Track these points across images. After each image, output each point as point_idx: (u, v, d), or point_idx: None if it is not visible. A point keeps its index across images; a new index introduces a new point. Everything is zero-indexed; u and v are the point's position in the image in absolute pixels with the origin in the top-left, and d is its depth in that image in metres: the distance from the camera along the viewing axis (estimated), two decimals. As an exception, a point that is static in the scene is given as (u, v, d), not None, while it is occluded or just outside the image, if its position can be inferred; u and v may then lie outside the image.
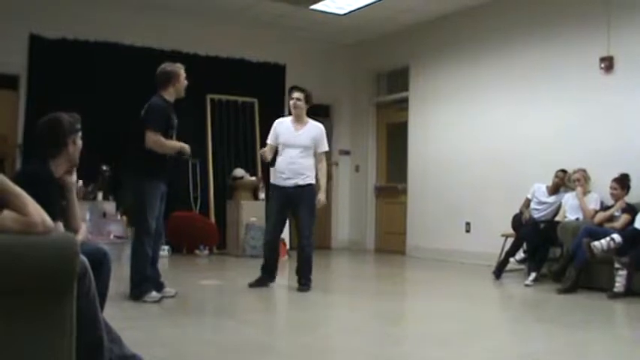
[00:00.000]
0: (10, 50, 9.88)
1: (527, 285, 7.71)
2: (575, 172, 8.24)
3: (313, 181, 7.15)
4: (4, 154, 9.50)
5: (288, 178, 7.11)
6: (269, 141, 7.36)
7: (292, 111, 7.32)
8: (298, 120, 7.26)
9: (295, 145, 7.14)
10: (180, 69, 6.41)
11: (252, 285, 7.16)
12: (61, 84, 9.93)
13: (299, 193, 7.07)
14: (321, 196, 7.15)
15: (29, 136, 9.71)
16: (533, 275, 7.81)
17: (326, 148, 7.33)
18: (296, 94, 7.24)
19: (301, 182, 7.07)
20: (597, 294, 7.04)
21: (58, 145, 3.69)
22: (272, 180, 7.45)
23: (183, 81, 6.40)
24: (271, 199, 7.42)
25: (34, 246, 2.51)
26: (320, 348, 4.67)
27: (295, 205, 7.13)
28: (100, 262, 3.57)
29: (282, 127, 7.30)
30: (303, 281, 7.09)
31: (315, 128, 7.27)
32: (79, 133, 3.85)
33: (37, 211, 2.59)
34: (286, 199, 7.13)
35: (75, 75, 10.11)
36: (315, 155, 7.23)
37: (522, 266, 8.41)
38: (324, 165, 7.27)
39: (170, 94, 6.35)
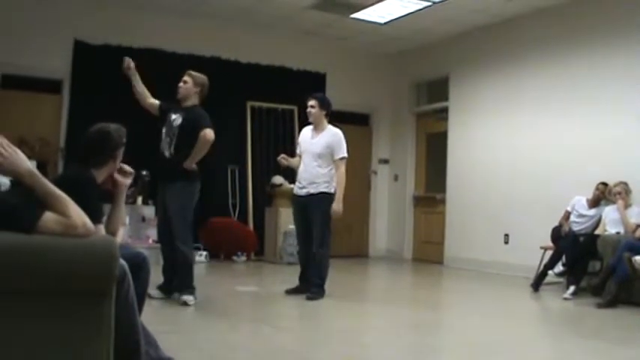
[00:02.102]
0: (54, 55, 10.05)
1: (565, 298, 7.62)
2: (616, 185, 8.14)
3: (328, 190, 7.02)
4: (46, 157, 9.62)
5: (303, 187, 7.13)
6: (297, 151, 7.47)
7: (309, 119, 7.35)
8: (316, 127, 7.25)
9: (309, 152, 7.14)
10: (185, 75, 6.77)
11: (288, 292, 7.19)
12: (104, 89, 10.04)
13: (310, 202, 7.03)
14: (335, 206, 6.98)
15: (71, 140, 9.86)
16: (572, 289, 7.71)
17: (342, 154, 7.09)
18: (310, 102, 7.24)
19: (313, 190, 7.03)
20: (638, 309, 6.94)
21: (105, 156, 3.71)
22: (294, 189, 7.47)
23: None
24: (293, 209, 7.49)
25: (74, 248, 2.54)
26: (357, 357, 4.66)
27: (309, 214, 7.07)
28: (140, 267, 3.59)
29: (303, 135, 7.41)
30: (312, 289, 6.98)
31: (330, 134, 7.17)
32: (124, 147, 3.89)
33: (77, 214, 2.62)
34: (302, 207, 7.13)
35: (117, 80, 10.18)
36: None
37: (561, 279, 8.32)
38: (340, 173, 7.05)
39: None
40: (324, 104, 7.25)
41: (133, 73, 6.69)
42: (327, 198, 7.00)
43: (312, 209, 7.01)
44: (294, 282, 7.30)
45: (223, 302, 6.63)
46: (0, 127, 9.48)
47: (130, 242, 9.54)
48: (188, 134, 6.46)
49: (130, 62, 6.60)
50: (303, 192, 7.10)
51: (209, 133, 6.45)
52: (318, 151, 7.06)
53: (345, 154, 7.12)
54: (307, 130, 7.37)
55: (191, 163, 6.48)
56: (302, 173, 7.17)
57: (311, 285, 7.01)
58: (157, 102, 6.85)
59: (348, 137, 12.85)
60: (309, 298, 6.86)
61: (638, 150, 8.37)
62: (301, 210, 7.15)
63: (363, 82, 12.67)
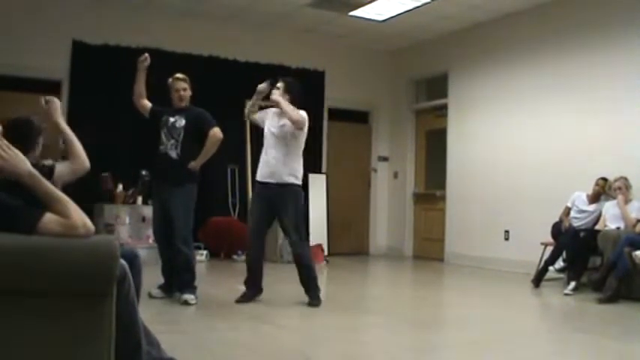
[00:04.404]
0: (53, 56, 10.04)
1: (566, 294, 7.63)
2: (616, 180, 8.13)
3: (298, 182, 6.60)
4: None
5: (267, 176, 6.57)
6: (260, 113, 6.95)
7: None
8: (280, 113, 6.66)
9: (275, 136, 6.61)
10: (174, 80, 6.74)
11: (238, 301, 6.59)
12: (103, 89, 10.06)
13: (280, 195, 6.50)
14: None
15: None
16: (572, 284, 7.72)
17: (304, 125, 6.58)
18: (278, 84, 6.74)
19: (282, 181, 6.49)
20: (638, 305, 6.95)
21: (30, 144, 3.69)
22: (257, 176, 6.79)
23: (174, 92, 6.69)
24: (253, 200, 6.89)
25: (75, 249, 2.54)
26: (357, 355, 4.67)
27: (277, 209, 6.57)
28: (131, 263, 3.58)
29: (269, 116, 6.83)
30: (311, 295, 6.56)
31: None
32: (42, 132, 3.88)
33: (78, 214, 2.63)
34: (267, 199, 6.56)
35: (116, 80, 10.23)
36: (297, 138, 6.61)
37: (562, 275, 8.32)
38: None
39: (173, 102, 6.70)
40: (288, 88, 6.69)
41: (143, 69, 6.64)
42: (299, 191, 6.62)
43: (283, 205, 6.53)
44: (294, 280, 6.88)
45: (224, 301, 6.62)
46: (-1, 128, 9.47)
47: (130, 242, 9.56)
48: (193, 134, 6.52)
49: (148, 58, 6.58)
50: (270, 181, 6.54)
51: (219, 132, 6.52)
52: (283, 136, 6.56)
53: (306, 128, 6.63)
54: (273, 113, 6.80)
55: (199, 164, 6.52)
56: (269, 160, 6.59)
57: (309, 291, 6.62)
58: (149, 104, 6.82)
59: (348, 135, 12.92)
60: (314, 305, 6.50)
61: (637, 145, 8.37)
62: (266, 202, 6.58)
63: (362, 80, 12.67)
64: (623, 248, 7.04)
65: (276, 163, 6.53)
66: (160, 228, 6.64)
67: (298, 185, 6.64)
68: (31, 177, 2.67)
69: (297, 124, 6.51)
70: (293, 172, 6.58)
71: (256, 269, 6.71)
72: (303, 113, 6.59)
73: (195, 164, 6.48)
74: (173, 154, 6.51)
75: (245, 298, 6.60)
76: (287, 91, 6.70)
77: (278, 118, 6.69)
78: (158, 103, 6.90)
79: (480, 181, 10.79)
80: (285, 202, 6.53)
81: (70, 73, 10.20)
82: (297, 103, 6.67)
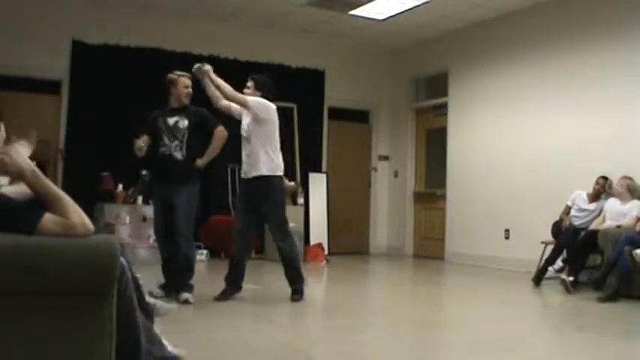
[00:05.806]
0: (52, 56, 10.05)
1: (563, 279, 7.64)
2: (620, 178, 8.11)
3: (270, 172, 6.53)
4: (46, 158, 9.61)
5: (245, 172, 6.70)
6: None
7: None
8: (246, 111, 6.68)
9: (243, 133, 6.73)
10: (179, 77, 6.54)
11: (217, 299, 6.58)
12: (103, 89, 10.06)
13: (258, 187, 6.54)
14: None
15: (71, 141, 9.85)
16: (570, 278, 7.69)
17: (263, 115, 6.60)
18: (247, 83, 6.80)
19: (255, 173, 6.54)
20: (638, 303, 6.94)
21: None
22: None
23: (182, 88, 6.51)
24: (239, 196, 6.94)
25: (75, 248, 2.54)
26: (357, 354, 4.66)
27: (255, 202, 6.60)
28: None
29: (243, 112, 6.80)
30: (294, 289, 6.63)
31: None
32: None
33: (77, 214, 2.62)
34: (249, 195, 6.65)
35: (116, 80, 10.24)
36: (262, 130, 6.63)
37: (562, 274, 8.31)
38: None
39: (171, 100, 6.56)
40: (258, 85, 6.76)
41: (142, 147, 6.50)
42: (276, 182, 6.61)
43: (263, 198, 6.57)
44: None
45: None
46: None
47: (131, 242, 9.55)
48: (198, 134, 6.51)
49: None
50: (247, 177, 6.64)
51: (224, 130, 6.54)
52: (248, 130, 6.65)
53: (268, 116, 6.66)
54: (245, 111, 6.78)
55: (205, 162, 6.53)
56: (243, 156, 6.73)
57: (294, 285, 6.67)
58: (146, 137, 6.56)
59: (348, 134, 12.90)
60: (296, 300, 6.58)
61: (638, 144, 8.36)
62: (248, 198, 6.67)
63: (362, 79, 12.68)
64: (623, 247, 7.04)
65: (249, 159, 6.65)
66: (161, 227, 6.63)
67: (275, 176, 6.60)
68: (33, 175, 2.67)
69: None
70: (268, 164, 6.56)
71: (239, 268, 6.73)
72: (252, 99, 6.60)
73: (201, 163, 6.49)
74: (178, 155, 6.46)
75: (224, 296, 6.61)
76: (257, 88, 6.76)
77: (244, 115, 6.75)
78: (152, 103, 6.85)
79: (480, 180, 10.79)
80: (264, 195, 6.56)
81: (70, 73, 10.21)
82: (271, 100, 6.79)
